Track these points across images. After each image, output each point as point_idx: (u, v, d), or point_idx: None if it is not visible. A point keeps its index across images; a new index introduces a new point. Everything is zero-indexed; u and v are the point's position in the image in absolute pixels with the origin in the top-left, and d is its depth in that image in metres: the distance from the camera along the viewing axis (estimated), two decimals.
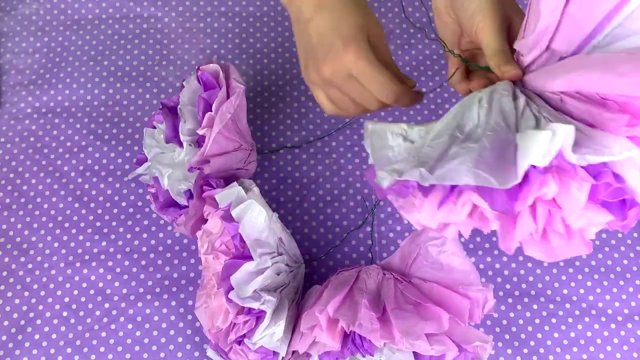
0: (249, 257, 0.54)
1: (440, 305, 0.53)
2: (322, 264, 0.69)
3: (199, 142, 0.61)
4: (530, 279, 0.68)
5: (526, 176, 0.35)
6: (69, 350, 0.64)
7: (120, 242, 0.69)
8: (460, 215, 0.38)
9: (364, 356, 0.53)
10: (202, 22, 0.82)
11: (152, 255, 0.69)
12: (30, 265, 0.68)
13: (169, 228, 0.70)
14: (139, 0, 0.83)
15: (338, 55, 0.46)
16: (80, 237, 0.69)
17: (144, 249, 0.69)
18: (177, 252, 0.69)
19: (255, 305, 0.53)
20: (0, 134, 0.75)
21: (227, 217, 0.55)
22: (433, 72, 0.78)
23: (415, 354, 0.55)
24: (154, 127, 0.66)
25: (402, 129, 0.46)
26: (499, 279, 0.68)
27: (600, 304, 0.67)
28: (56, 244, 0.69)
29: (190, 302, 0.66)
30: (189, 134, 0.61)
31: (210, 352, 0.59)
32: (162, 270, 0.68)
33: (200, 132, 0.59)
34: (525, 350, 0.65)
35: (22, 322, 0.65)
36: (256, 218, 0.56)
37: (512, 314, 0.66)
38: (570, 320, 0.66)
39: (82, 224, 0.70)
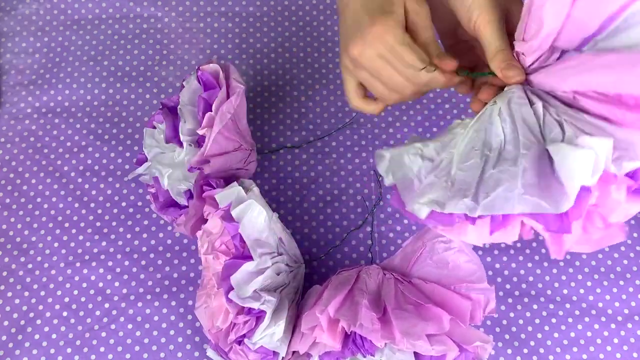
0: (249, 257, 0.54)
1: (441, 306, 0.53)
2: (322, 264, 0.69)
3: (199, 142, 0.61)
4: (530, 279, 0.68)
5: (577, 195, 0.36)
6: (69, 350, 0.64)
7: (120, 242, 0.69)
8: (512, 237, 0.39)
9: (364, 356, 0.53)
10: (202, 22, 0.82)
11: (152, 255, 0.69)
12: (30, 265, 0.68)
13: (169, 228, 0.70)
14: (139, 0, 0.83)
15: (365, 32, 0.44)
16: (80, 237, 0.69)
17: (144, 249, 0.69)
18: (177, 252, 0.69)
19: (255, 305, 0.53)
20: (0, 134, 0.75)
21: (227, 217, 0.55)
22: None
23: (415, 354, 0.55)
24: (154, 127, 0.66)
25: (417, 148, 0.45)
26: (499, 279, 0.68)
27: (600, 304, 0.67)
28: (56, 244, 0.69)
29: (190, 302, 0.66)
30: (189, 134, 0.61)
31: (210, 352, 0.59)
32: (162, 270, 0.68)
33: (200, 132, 0.59)
34: (525, 350, 0.65)
35: (22, 322, 0.65)
36: (256, 218, 0.56)
37: (512, 314, 0.66)
38: (570, 320, 0.66)
39: (82, 224, 0.70)
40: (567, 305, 0.66)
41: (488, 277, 0.67)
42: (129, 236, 0.70)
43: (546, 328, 0.65)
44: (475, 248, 0.68)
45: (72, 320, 0.65)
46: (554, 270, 0.68)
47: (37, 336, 0.64)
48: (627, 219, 0.39)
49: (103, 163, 0.73)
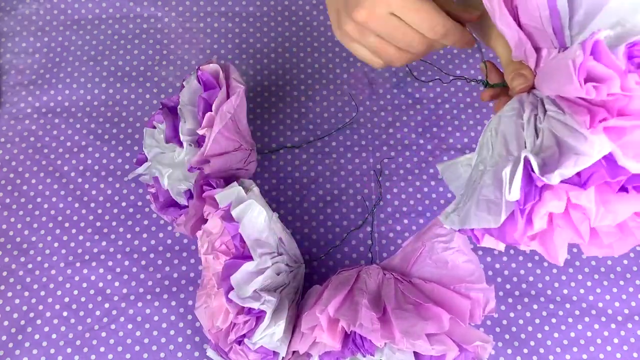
0: (249, 257, 0.54)
1: (441, 306, 0.53)
2: (322, 264, 0.69)
3: (199, 142, 0.61)
4: (530, 279, 0.68)
5: (516, 210, 0.36)
6: (69, 350, 0.64)
7: (120, 242, 0.69)
8: (498, 245, 0.41)
9: (364, 356, 0.53)
10: (202, 22, 0.82)
11: (152, 255, 0.69)
12: (30, 265, 0.68)
13: (169, 228, 0.70)
14: (139, 0, 0.83)
15: (352, 10, 0.42)
16: (80, 237, 0.69)
17: (144, 249, 0.69)
18: (177, 252, 0.69)
19: (255, 305, 0.53)
20: (0, 134, 0.75)
21: (227, 217, 0.55)
22: (437, 68, 0.78)
23: (415, 353, 0.55)
24: (154, 127, 0.66)
25: (467, 158, 0.47)
26: (499, 279, 0.68)
27: (600, 304, 0.67)
28: (56, 244, 0.69)
29: (190, 302, 0.66)
30: (189, 134, 0.61)
31: (210, 352, 0.59)
32: (162, 270, 0.68)
33: (200, 132, 0.59)
34: (525, 350, 0.65)
35: (22, 322, 0.65)
36: (256, 218, 0.56)
37: (512, 314, 0.66)
38: (570, 320, 0.66)
39: (82, 224, 0.70)
40: (567, 305, 0.66)
41: (488, 277, 0.68)
42: (129, 236, 0.70)
43: (546, 328, 0.65)
44: (475, 248, 0.68)
45: (72, 320, 0.65)
46: (554, 270, 0.68)
47: (37, 336, 0.64)
48: (621, 219, 0.37)
49: (103, 163, 0.73)
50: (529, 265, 0.68)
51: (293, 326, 0.57)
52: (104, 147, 0.74)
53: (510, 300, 0.67)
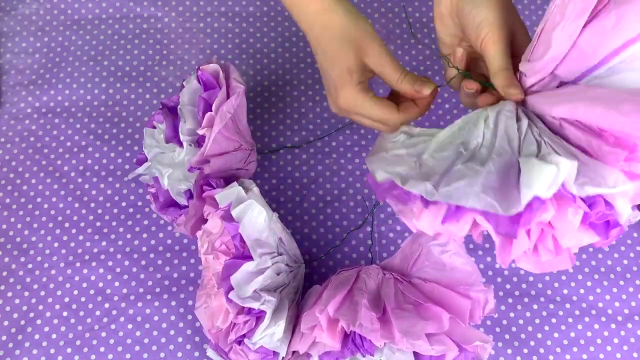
0: (249, 257, 0.54)
1: (441, 306, 0.53)
2: (322, 264, 0.69)
3: (199, 142, 0.61)
4: (530, 279, 0.68)
5: (529, 204, 0.37)
6: (69, 350, 0.64)
7: (120, 242, 0.69)
8: (461, 231, 0.40)
9: (364, 356, 0.53)
10: (202, 22, 0.82)
11: (152, 255, 0.69)
12: (30, 265, 0.68)
13: (169, 228, 0.70)
14: (139, 0, 0.83)
15: (335, 100, 0.51)
16: (80, 237, 0.69)
17: (144, 249, 0.69)
18: (177, 252, 0.69)
19: (255, 305, 0.53)
20: (0, 134, 0.75)
21: (227, 217, 0.55)
22: (433, 72, 0.78)
23: (415, 353, 0.55)
24: (154, 127, 0.66)
25: (404, 131, 0.48)
26: (499, 279, 0.68)
27: (600, 304, 0.67)
28: (56, 244, 0.69)
29: (190, 302, 0.66)
30: (189, 134, 0.61)
31: (210, 352, 0.59)
32: (162, 270, 0.68)
33: (200, 132, 0.59)
34: (525, 350, 0.65)
35: (22, 322, 0.65)
36: (256, 218, 0.56)
37: (512, 314, 0.66)
38: (570, 320, 0.66)
39: (82, 224, 0.70)
40: (567, 305, 0.66)
41: (488, 277, 0.68)
42: (129, 236, 0.70)
43: (546, 328, 0.65)
44: (475, 247, 0.69)
45: (72, 320, 0.65)
46: (554, 270, 0.68)
47: (37, 336, 0.64)
48: (577, 247, 0.41)
49: (103, 163, 0.73)
50: None
51: (293, 326, 0.57)
52: (104, 147, 0.74)
53: (510, 300, 0.67)
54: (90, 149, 0.74)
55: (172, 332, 0.65)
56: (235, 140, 0.61)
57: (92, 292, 0.67)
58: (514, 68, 0.46)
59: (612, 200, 0.39)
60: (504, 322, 0.66)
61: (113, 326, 0.65)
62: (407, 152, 0.45)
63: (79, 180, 0.72)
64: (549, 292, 0.67)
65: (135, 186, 0.72)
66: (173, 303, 0.66)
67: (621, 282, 0.68)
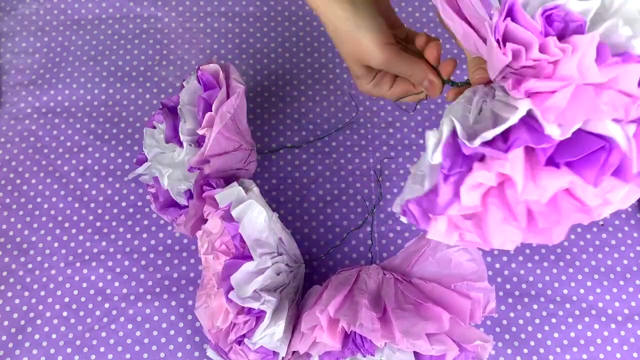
0: (249, 257, 0.54)
1: (441, 306, 0.53)
2: (322, 264, 0.69)
3: (199, 142, 0.61)
4: (530, 279, 0.68)
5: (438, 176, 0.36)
6: (69, 350, 0.64)
7: (120, 242, 0.69)
8: (448, 239, 0.38)
9: (364, 356, 0.53)
10: (202, 22, 0.82)
11: (152, 255, 0.69)
12: (30, 265, 0.68)
13: (169, 228, 0.70)
14: (139, 0, 0.83)
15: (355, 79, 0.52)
16: (80, 237, 0.69)
17: (144, 249, 0.69)
18: (177, 252, 0.69)
19: (255, 305, 0.53)
20: (0, 134, 0.75)
21: (227, 217, 0.55)
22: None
23: (415, 353, 0.55)
24: (154, 127, 0.66)
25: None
26: (499, 279, 0.68)
27: (600, 304, 0.67)
28: (56, 244, 0.69)
29: (190, 302, 0.66)
30: (189, 134, 0.61)
31: (210, 352, 0.59)
32: (162, 270, 0.68)
33: (200, 132, 0.59)
34: (525, 350, 0.65)
35: (22, 322, 0.65)
36: (256, 218, 0.56)
37: (512, 314, 0.66)
38: (570, 320, 0.66)
39: (82, 224, 0.70)
40: (567, 305, 0.66)
41: (488, 277, 0.67)
42: (129, 236, 0.70)
43: (546, 328, 0.65)
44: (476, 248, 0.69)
45: (72, 320, 0.65)
46: (554, 270, 0.68)
47: (37, 336, 0.64)
48: (546, 196, 0.35)
49: (103, 163, 0.73)
50: (529, 265, 0.68)
51: (293, 326, 0.57)
52: (104, 147, 0.74)
53: (510, 300, 0.67)
54: (90, 149, 0.74)
55: (172, 332, 0.65)
56: (235, 140, 0.61)
57: (92, 292, 0.67)
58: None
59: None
60: (504, 322, 0.66)
61: (113, 326, 0.65)
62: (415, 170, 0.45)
63: (79, 180, 0.72)
64: (549, 292, 0.67)
65: (135, 186, 0.72)
66: (173, 303, 0.66)
67: (621, 282, 0.68)
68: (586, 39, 0.32)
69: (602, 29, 0.33)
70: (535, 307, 0.66)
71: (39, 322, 0.65)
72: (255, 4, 0.83)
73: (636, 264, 0.68)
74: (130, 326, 0.65)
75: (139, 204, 0.71)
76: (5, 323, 0.65)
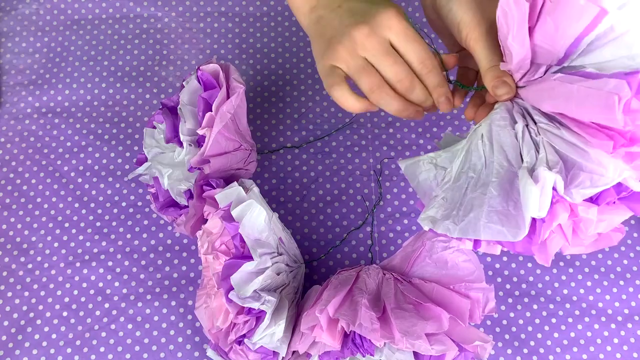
0: (249, 257, 0.54)
1: (441, 305, 0.53)
2: (322, 264, 0.69)
3: (199, 142, 0.61)
4: (530, 279, 0.68)
5: (532, 225, 0.40)
6: (69, 350, 0.64)
7: (120, 242, 0.69)
8: (494, 251, 0.43)
9: (364, 356, 0.53)
10: (202, 22, 0.82)
11: (152, 255, 0.69)
12: (30, 265, 0.68)
13: (169, 228, 0.70)
14: (139, 0, 0.83)
15: (374, 16, 0.44)
16: (80, 237, 0.69)
17: (144, 249, 0.69)
18: (177, 252, 0.69)
19: (255, 305, 0.53)
20: (0, 134, 0.75)
21: (227, 217, 0.55)
22: None
23: (415, 353, 0.55)
24: (154, 127, 0.66)
25: (430, 157, 0.49)
26: (499, 279, 0.68)
27: (600, 304, 0.67)
28: (56, 244, 0.69)
29: (190, 302, 0.66)
30: (189, 134, 0.61)
31: (210, 352, 0.59)
32: (162, 270, 0.68)
33: (200, 132, 0.59)
34: (525, 350, 0.65)
35: (22, 322, 0.65)
36: (256, 218, 0.56)
37: (512, 314, 0.66)
38: (570, 320, 0.66)
39: (82, 224, 0.70)
40: (567, 305, 0.66)
41: (488, 277, 0.68)
42: (129, 236, 0.70)
43: (546, 328, 0.65)
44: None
45: (72, 320, 0.65)
46: (554, 270, 0.68)
47: (37, 336, 0.64)
48: (611, 228, 0.42)
49: (103, 163, 0.73)
50: (529, 265, 0.68)
51: (293, 326, 0.57)
52: (104, 147, 0.74)
53: (510, 300, 0.67)
54: (90, 149, 0.74)
55: (172, 332, 0.65)
56: (235, 140, 0.61)
57: (92, 292, 0.67)
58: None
59: (624, 181, 0.39)
60: (504, 322, 0.66)
61: (113, 326, 0.65)
62: (440, 188, 0.46)
63: (79, 180, 0.72)
64: (549, 292, 0.67)
65: (135, 186, 0.72)
66: (173, 303, 0.66)
67: (621, 282, 0.68)
68: None
69: None
70: (535, 307, 0.66)
71: (39, 322, 0.65)
72: (255, 4, 0.83)
73: (636, 264, 0.68)
74: (130, 326, 0.65)
75: (139, 204, 0.71)
76: (5, 323, 0.65)
